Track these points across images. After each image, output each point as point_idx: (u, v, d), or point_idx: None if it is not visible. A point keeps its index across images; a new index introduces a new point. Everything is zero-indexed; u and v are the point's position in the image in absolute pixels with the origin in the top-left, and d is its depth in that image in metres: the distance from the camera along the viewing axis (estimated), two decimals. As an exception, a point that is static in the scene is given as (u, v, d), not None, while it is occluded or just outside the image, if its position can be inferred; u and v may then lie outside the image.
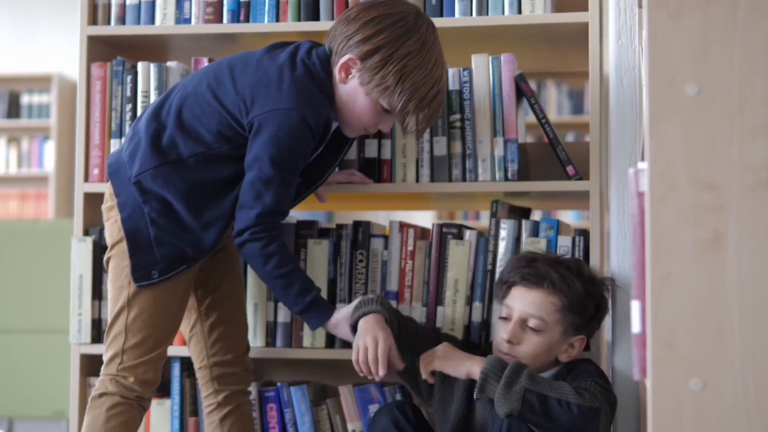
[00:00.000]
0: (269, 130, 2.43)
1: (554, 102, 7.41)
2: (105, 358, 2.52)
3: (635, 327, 1.48)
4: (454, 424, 2.54)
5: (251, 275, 2.80)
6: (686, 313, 1.42)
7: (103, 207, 2.59)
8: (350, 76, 2.49)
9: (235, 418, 2.66)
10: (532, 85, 7.11)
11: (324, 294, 2.71)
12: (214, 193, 2.50)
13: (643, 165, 1.47)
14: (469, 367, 2.43)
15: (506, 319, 2.50)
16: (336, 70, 2.50)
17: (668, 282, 1.43)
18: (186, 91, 2.53)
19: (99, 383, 2.51)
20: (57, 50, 7.49)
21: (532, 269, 2.49)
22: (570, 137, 7.17)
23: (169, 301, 2.52)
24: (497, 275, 2.66)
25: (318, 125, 2.46)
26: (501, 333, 2.50)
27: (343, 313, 2.53)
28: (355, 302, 2.54)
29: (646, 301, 1.44)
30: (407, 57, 2.45)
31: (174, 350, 2.79)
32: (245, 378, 2.68)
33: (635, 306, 1.49)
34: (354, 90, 2.50)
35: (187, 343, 2.69)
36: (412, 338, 2.59)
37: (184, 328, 2.69)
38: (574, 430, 2.30)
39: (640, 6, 2.62)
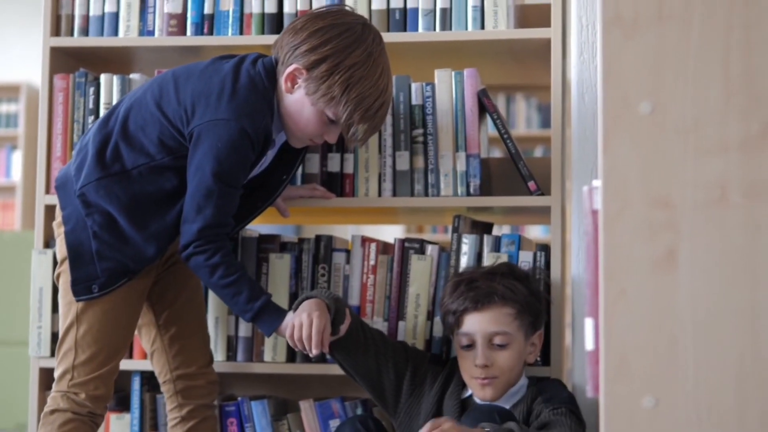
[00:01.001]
0: (208, 141, 2.41)
1: (523, 115, 7.43)
2: (56, 375, 2.51)
3: (588, 344, 1.48)
4: None
5: (212, 289, 2.79)
6: (639, 330, 1.43)
7: (54, 223, 2.58)
8: (296, 86, 2.49)
9: None
10: (501, 98, 7.17)
11: (285, 308, 2.71)
12: (158, 206, 2.48)
13: (597, 183, 1.48)
14: None
15: (470, 346, 2.50)
16: (282, 80, 2.50)
17: (621, 299, 1.43)
18: (131, 101, 2.52)
19: (50, 400, 2.50)
20: (26, 59, 7.44)
21: (475, 291, 2.50)
22: (539, 151, 7.19)
23: (119, 316, 2.51)
24: (438, 307, 2.65)
25: (258, 136, 2.44)
26: (469, 362, 2.49)
27: (292, 313, 2.52)
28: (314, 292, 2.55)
29: (600, 318, 1.44)
30: (353, 67, 2.44)
31: (133, 364, 2.78)
32: (210, 391, 2.67)
33: (588, 323, 1.49)
34: (300, 100, 2.49)
35: (149, 358, 2.68)
36: (379, 345, 2.59)
37: (146, 343, 2.68)
38: None
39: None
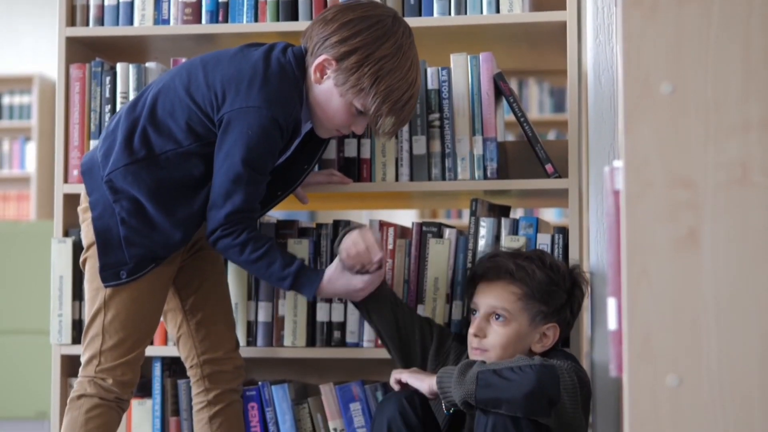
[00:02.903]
0: (239, 128, 2.42)
1: (536, 100, 7.41)
2: (83, 360, 2.52)
3: (611, 324, 1.49)
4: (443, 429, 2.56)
5: (231, 274, 2.80)
6: (662, 309, 1.43)
7: (79, 209, 2.59)
8: (325, 77, 2.50)
9: (224, 418, 2.65)
10: (513, 83, 7.17)
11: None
12: (185, 192, 2.49)
13: (618, 163, 1.48)
14: (430, 380, 2.44)
15: (475, 314, 2.54)
16: (311, 70, 2.51)
17: (644, 279, 1.44)
18: (159, 87, 2.52)
19: (77, 385, 2.51)
20: (38, 51, 7.45)
21: (491, 263, 2.55)
22: (551, 135, 7.18)
23: (146, 302, 2.52)
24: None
25: (288, 125, 2.46)
26: (470, 329, 2.53)
27: (332, 265, 2.55)
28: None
29: (622, 298, 1.45)
30: (383, 60, 2.45)
31: (154, 350, 2.79)
32: (236, 376, 2.68)
33: (611, 303, 1.50)
34: (328, 91, 2.50)
35: (176, 343, 2.69)
36: (406, 313, 2.64)
37: (171, 329, 2.69)
38: (536, 391, 2.28)
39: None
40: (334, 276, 2.54)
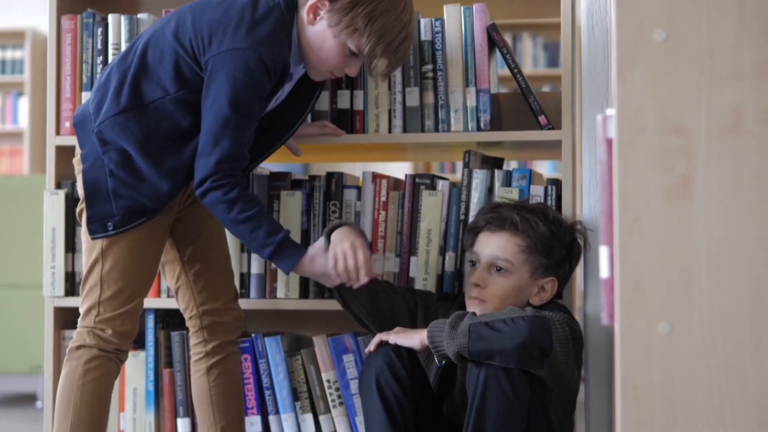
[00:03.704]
0: (225, 70, 2.40)
1: (530, 55, 7.40)
2: (81, 310, 2.52)
3: (603, 272, 1.49)
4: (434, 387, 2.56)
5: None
6: (654, 257, 1.43)
7: (74, 160, 2.58)
8: (318, 18, 2.48)
9: (221, 369, 2.66)
10: (507, 37, 7.14)
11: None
12: (174, 143, 2.47)
13: (611, 111, 1.48)
14: (420, 335, 2.44)
15: (474, 264, 2.53)
16: (304, 12, 2.49)
17: (636, 227, 1.44)
18: (149, 35, 2.51)
19: (76, 335, 2.51)
20: (29, 5, 7.41)
21: (495, 214, 2.54)
22: (545, 90, 7.17)
23: (144, 251, 2.52)
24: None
25: (275, 67, 2.43)
26: (470, 278, 2.53)
27: (317, 245, 2.52)
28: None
29: (614, 246, 1.45)
30: (377, 0, 2.44)
31: (148, 302, 2.79)
32: (235, 327, 2.68)
33: (603, 251, 1.49)
34: (322, 32, 2.48)
35: (175, 294, 2.68)
36: (388, 291, 2.62)
37: (170, 280, 2.68)
38: (529, 343, 2.28)
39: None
40: (316, 258, 2.50)
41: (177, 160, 2.48)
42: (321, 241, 2.52)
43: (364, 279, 2.47)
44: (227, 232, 2.72)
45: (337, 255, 2.47)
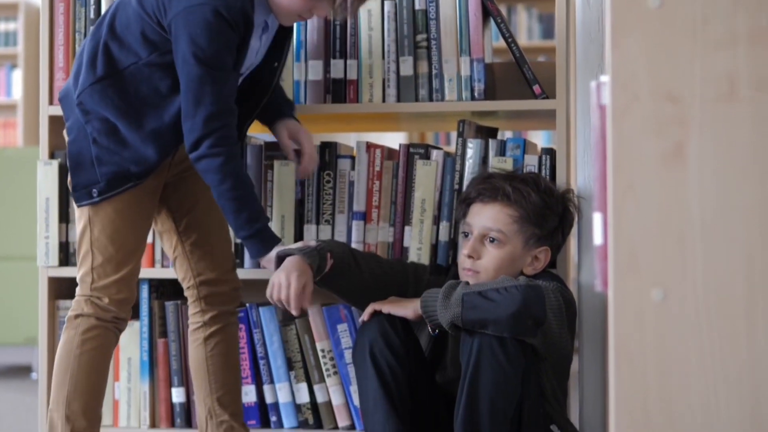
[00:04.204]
0: (186, 29, 2.38)
1: (524, 26, 7.38)
2: (78, 279, 2.52)
3: (597, 239, 1.49)
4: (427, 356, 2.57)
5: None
6: (648, 224, 1.43)
7: (64, 131, 2.58)
8: None
9: (219, 338, 2.65)
10: (502, 9, 7.10)
11: (291, 215, 2.72)
12: (154, 106, 2.47)
13: (605, 78, 1.47)
14: (414, 305, 2.44)
15: (467, 236, 2.53)
16: None
17: (630, 193, 1.43)
18: (117, 4, 2.51)
19: (74, 303, 2.52)
20: (22, -23, 7.38)
21: (487, 184, 2.53)
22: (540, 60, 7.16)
23: (132, 216, 2.51)
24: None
25: (233, 16, 2.39)
26: (462, 249, 2.52)
27: (273, 256, 2.48)
28: (299, 243, 2.52)
29: (608, 212, 1.44)
30: None
31: (142, 272, 2.78)
32: (233, 297, 2.68)
33: (597, 218, 1.49)
34: None
35: (172, 265, 2.68)
36: (376, 274, 2.60)
37: (167, 249, 2.68)
38: (522, 311, 2.29)
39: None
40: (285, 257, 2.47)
41: (158, 121, 2.47)
42: (289, 247, 2.49)
43: (295, 312, 2.45)
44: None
45: (273, 283, 2.46)
